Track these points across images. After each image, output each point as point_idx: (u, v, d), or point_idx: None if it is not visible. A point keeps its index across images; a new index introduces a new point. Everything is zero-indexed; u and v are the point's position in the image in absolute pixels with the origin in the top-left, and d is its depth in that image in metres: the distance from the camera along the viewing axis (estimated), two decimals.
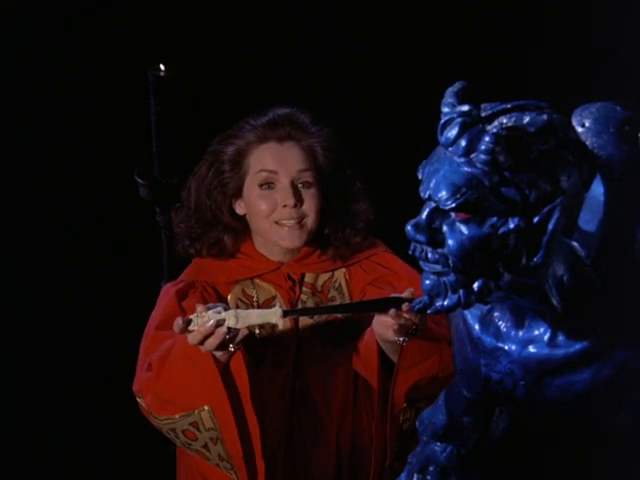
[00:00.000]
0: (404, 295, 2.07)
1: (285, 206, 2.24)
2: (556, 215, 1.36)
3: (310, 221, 2.27)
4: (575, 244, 1.39)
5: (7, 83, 3.14)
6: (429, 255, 1.40)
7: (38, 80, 3.17)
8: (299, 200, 2.25)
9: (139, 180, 2.67)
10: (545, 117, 1.35)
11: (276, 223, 2.26)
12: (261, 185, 2.26)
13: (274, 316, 2.04)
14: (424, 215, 1.39)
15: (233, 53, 3.26)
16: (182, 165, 2.42)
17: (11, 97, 3.14)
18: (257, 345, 2.25)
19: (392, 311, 2.05)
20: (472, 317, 1.53)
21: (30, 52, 3.15)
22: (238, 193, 2.31)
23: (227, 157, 2.28)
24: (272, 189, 2.26)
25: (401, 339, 2.09)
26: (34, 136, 3.19)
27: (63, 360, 3.28)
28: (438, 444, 1.66)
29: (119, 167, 2.95)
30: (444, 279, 1.40)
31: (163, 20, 3.19)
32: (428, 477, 1.66)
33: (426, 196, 1.38)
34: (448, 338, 2.12)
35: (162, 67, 2.55)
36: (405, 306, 2.05)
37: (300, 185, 2.27)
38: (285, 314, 2.05)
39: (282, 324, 2.06)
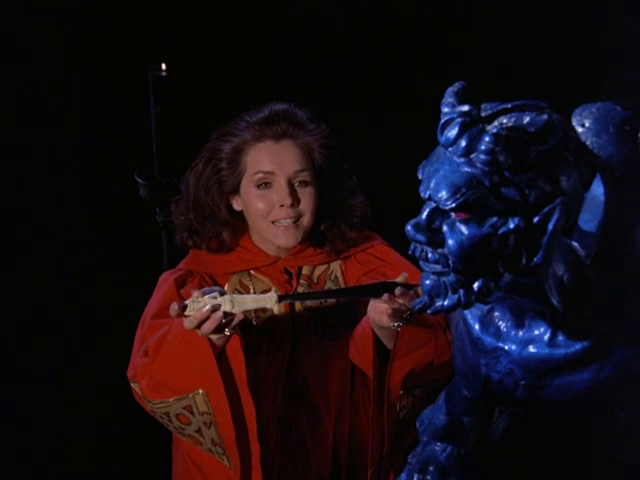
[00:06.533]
0: (398, 280, 2.09)
1: (282, 206, 2.25)
2: (556, 215, 1.36)
3: (306, 220, 2.28)
4: (575, 244, 1.39)
5: (7, 83, 3.14)
6: (429, 255, 1.40)
7: (38, 80, 3.17)
8: (295, 199, 2.26)
9: (139, 180, 2.67)
10: (545, 117, 1.35)
11: (272, 223, 2.27)
12: (258, 185, 2.27)
13: (269, 301, 2.06)
14: (424, 215, 1.39)
15: (233, 53, 3.26)
16: (182, 165, 2.42)
17: (11, 96, 3.14)
18: (253, 335, 2.26)
19: (386, 296, 2.06)
20: (472, 317, 1.54)
21: (30, 52, 3.15)
22: (235, 190, 2.31)
23: (224, 155, 2.29)
24: (269, 189, 2.27)
25: (396, 324, 2.09)
26: (34, 136, 3.19)
27: (62, 358, 3.29)
28: (438, 444, 1.66)
29: (119, 167, 2.95)
30: (444, 279, 1.40)
31: (163, 20, 3.19)
32: (428, 477, 1.66)
33: (426, 196, 1.38)
34: (443, 326, 2.15)
35: (162, 67, 2.55)
36: (398, 290, 2.06)
37: (297, 184, 2.27)
38: (280, 299, 2.07)
39: (277, 309, 2.08)
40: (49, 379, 3.28)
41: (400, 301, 2.07)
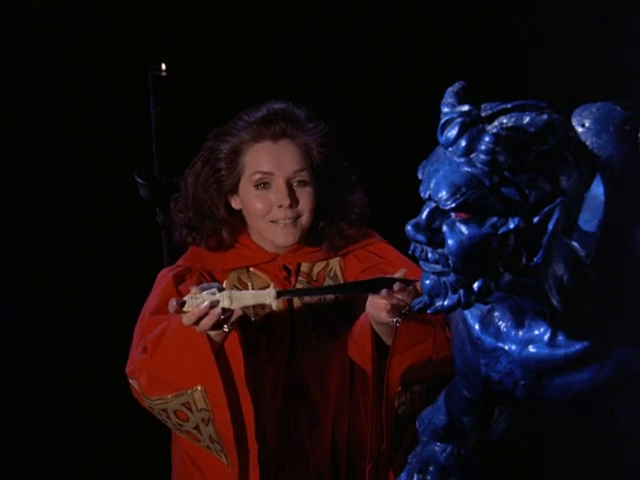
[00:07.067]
0: (396, 276, 2.09)
1: (280, 206, 2.25)
2: (556, 215, 1.36)
3: (305, 219, 2.28)
4: (575, 244, 1.39)
5: (7, 82, 3.14)
6: (429, 255, 1.40)
7: (38, 80, 3.17)
8: (294, 200, 2.26)
9: (139, 180, 2.67)
10: (545, 117, 1.35)
11: (271, 222, 2.27)
12: (257, 185, 2.27)
13: (268, 297, 2.06)
14: (424, 215, 1.39)
15: (233, 53, 3.26)
16: (182, 165, 2.43)
17: (11, 97, 3.14)
18: (252, 332, 2.27)
19: (384, 291, 2.06)
20: (472, 317, 1.54)
21: (30, 52, 3.15)
22: (234, 189, 2.31)
23: (222, 155, 2.29)
24: (267, 189, 2.27)
25: (394, 320, 2.09)
26: (34, 136, 3.19)
27: (62, 358, 3.29)
28: (438, 444, 1.66)
29: (119, 167, 2.95)
30: (444, 279, 1.40)
31: (163, 20, 3.19)
32: (428, 477, 1.66)
33: (426, 196, 1.38)
34: (442, 322, 2.15)
35: (162, 67, 2.55)
36: (396, 286, 2.06)
37: (295, 183, 2.27)
38: (279, 295, 2.08)
39: (276, 305, 2.09)
40: (49, 379, 3.28)
41: (398, 297, 2.07)
